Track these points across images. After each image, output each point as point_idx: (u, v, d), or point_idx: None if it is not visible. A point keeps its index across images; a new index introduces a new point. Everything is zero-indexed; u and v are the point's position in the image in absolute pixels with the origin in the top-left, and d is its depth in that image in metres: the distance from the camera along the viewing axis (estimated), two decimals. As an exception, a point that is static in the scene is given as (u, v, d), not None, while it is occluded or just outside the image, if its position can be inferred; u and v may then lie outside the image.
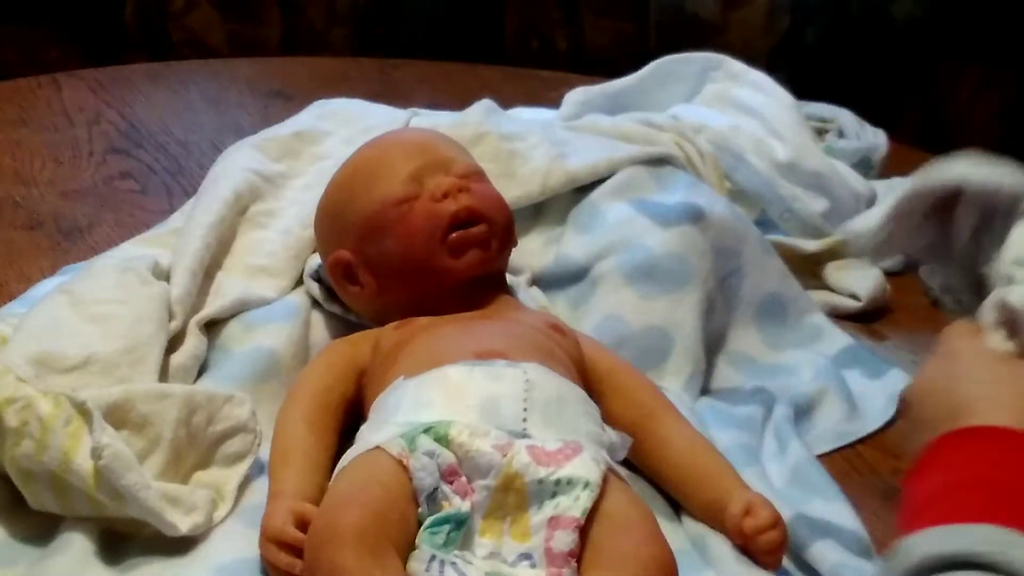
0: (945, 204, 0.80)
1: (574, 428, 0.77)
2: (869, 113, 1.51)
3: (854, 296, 1.20)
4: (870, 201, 1.28)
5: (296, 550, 0.72)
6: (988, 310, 0.74)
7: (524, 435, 0.75)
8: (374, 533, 0.67)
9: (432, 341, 0.84)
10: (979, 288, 0.79)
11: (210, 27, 2.23)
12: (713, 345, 1.04)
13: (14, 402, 0.74)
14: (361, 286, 0.93)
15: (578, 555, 0.71)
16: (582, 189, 1.14)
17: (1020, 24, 2.14)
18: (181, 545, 0.74)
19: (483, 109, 1.20)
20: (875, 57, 2.21)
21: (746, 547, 0.80)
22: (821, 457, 0.93)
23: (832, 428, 0.98)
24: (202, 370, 0.91)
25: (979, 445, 0.66)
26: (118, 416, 0.76)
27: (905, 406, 0.77)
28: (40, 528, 0.75)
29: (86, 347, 0.82)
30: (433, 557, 0.69)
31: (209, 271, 0.97)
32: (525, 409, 0.76)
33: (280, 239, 1.03)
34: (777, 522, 0.79)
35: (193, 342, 0.90)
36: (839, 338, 1.09)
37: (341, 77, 1.60)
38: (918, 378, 0.76)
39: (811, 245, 1.21)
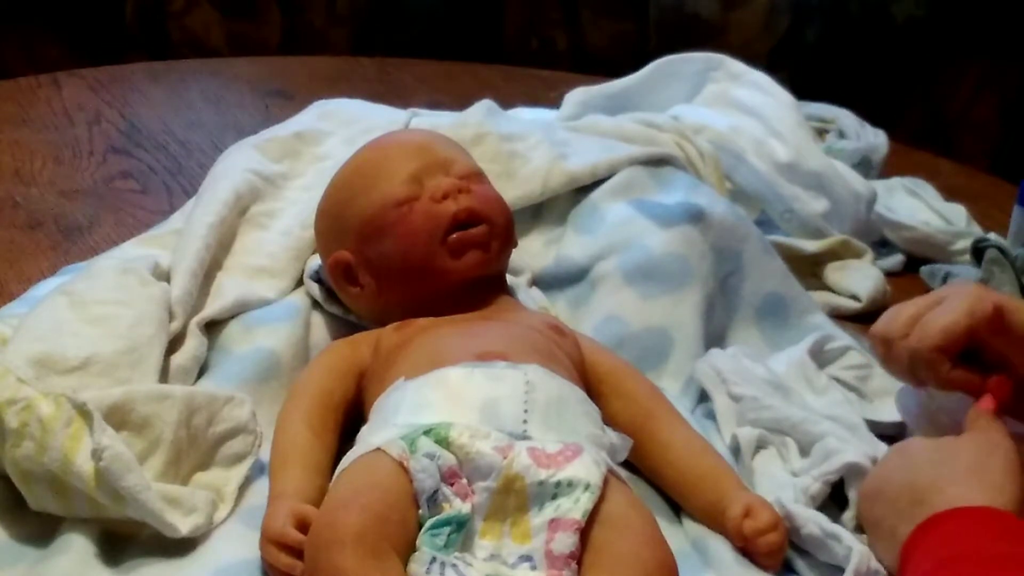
0: None
1: (574, 430, 0.77)
2: (869, 113, 1.51)
3: (854, 296, 1.20)
4: (870, 201, 1.28)
5: (296, 551, 0.72)
6: None
7: (524, 437, 0.75)
8: (374, 535, 0.67)
9: (432, 342, 0.84)
10: None
11: (210, 27, 2.24)
12: (713, 345, 1.04)
13: (15, 403, 0.74)
14: (361, 287, 0.93)
15: (578, 557, 0.71)
16: (582, 189, 1.14)
17: (1020, 23, 2.14)
18: (181, 546, 0.74)
19: (483, 109, 1.20)
20: (875, 57, 2.21)
21: (746, 549, 0.80)
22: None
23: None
24: (202, 371, 0.91)
25: (958, 524, 0.71)
26: (118, 417, 0.75)
27: (860, 501, 0.82)
28: (40, 529, 0.75)
29: (86, 348, 0.82)
30: (433, 559, 0.69)
31: (209, 272, 0.97)
32: (525, 411, 0.76)
33: (280, 240, 1.03)
34: (777, 524, 0.79)
35: (193, 343, 0.90)
36: (840, 338, 1.08)
37: (341, 77, 1.61)
38: (869, 481, 0.82)
39: (811, 245, 1.22)
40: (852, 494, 0.83)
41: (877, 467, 0.82)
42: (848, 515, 0.83)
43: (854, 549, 0.77)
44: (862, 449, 0.85)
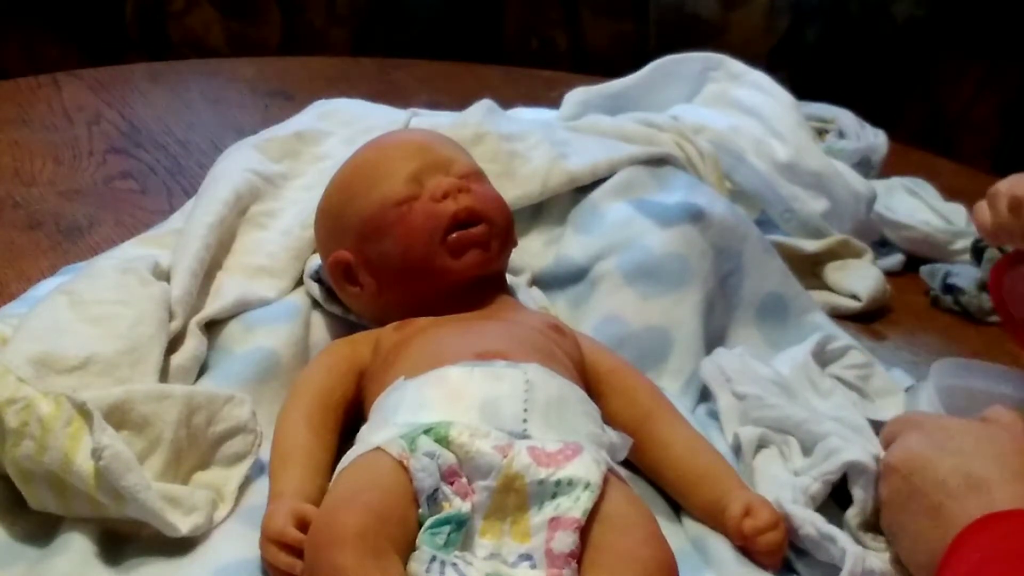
0: None
1: (574, 429, 0.77)
2: (869, 113, 1.51)
3: (854, 296, 1.20)
4: (870, 201, 1.28)
5: (296, 551, 0.71)
6: None
7: (524, 436, 0.75)
8: (374, 534, 0.67)
9: (432, 342, 0.84)
10: None
11: (210, 27, 2.24)
12: (713, 345, 1.04)
13: (14, 403, 0.74)
14: (361, 286, 0.93)
15: (578, 556, 0.71)
16: (582, 189, 1.14)
17: (1020, 23, 2.14)
18: (181, 546, 0.74)
19: (483, 109, 1.20)
20: (875, 57, 2.21)
21: (746, 548, 0.80)
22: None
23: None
24: (202, 371, 0.91)
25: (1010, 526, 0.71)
26: (118, 417, 0.75)
27: (889, 472, 0.81)
28: (40, 528, 0.75)
29: (86, 348, 0.82)
30: (433, 558, 0.69)
31: (209, 271, 0.97)
32: (525, 410, 0.76)
33: (280, 239, 1.03)
34: (777, 523, 0.80)
35: (193, 342, 0.90)
36: (841, 338, 1.09)
37: (341, 77, 1.61)
38: (908, 448, 0.81)
39: (811, 245, 1.22)
40: (857, 492, 0.83)
41: (912, 442, 0.81)
42: (852, 512, 0.83)
43: (848, 551, 0.77)
44: (866, 449, 0.85)
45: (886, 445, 0.84)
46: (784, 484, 0.85)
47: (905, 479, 0.79)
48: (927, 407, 0.91)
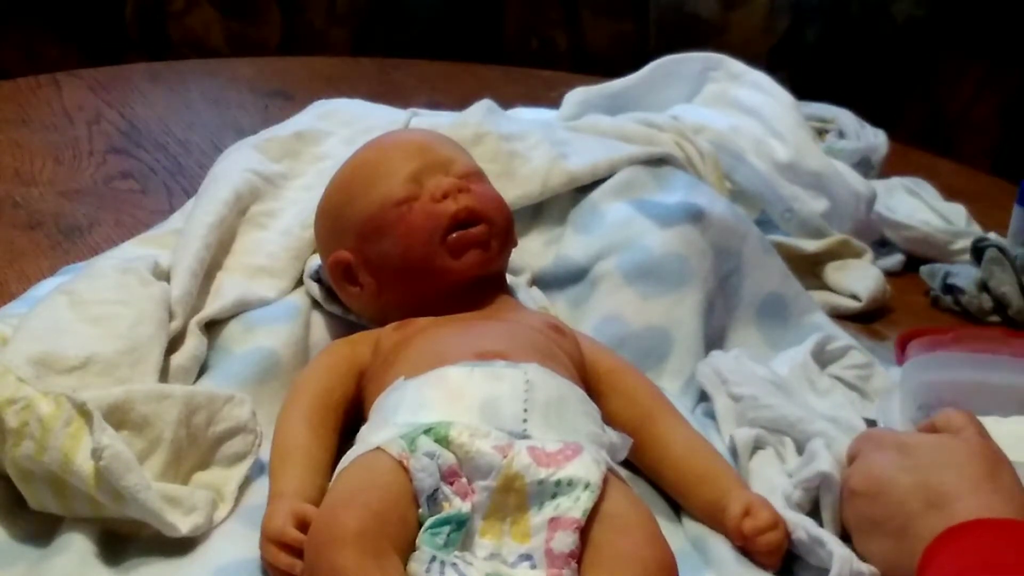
0: None
1: (574, 429, 0.77)
2: (869, 113, 1.51)
3: (854, 296, 1.20)
4: (870, 201, 1.28)
5: (296, 551, 0.71)
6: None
7: (524, 436, 0.75)
8: (374, 534, 0.67)
9: (432, 342, 0.84)
10: None
11: (210, 27, 2.24)
12: (713, 345, 1.04)
13: (14, 403, 0.74)
14: (361, 286, 0.93)
15: (578, 556, 0.71)
16: (582, 189, 1.14)
17: (1020, 23, 2.14)
18: (181, 546, 0.74)
19: (483, 109, 1.20)
20: (875, 57, 2.21)
21: (746, 548, 0.80)
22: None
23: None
24: (202, 371, 0.91)
25: (986, 535, 0.71)
26: (118, 417, 0.75)
27: (852, 496, 0.81)
28: (40, 528, 0.75)
29: (86, 348, 0.82)
30: (433, 558, 0.69)
31: (209, 271, 0.97)
32: (525, 410, 0.76)
33: (280, 239, 1.03)
34: (777, 523, 0.79)
35: (193, 342, 0.90)
36: (840, 338, 1.09)
37: (341, 77, 1.61)
38: (867, 471, 0.80)
39: (811, 245, 1.22)
40: (826, 503, 0.82)
41: (871, 463, 0.81)
42: (826, 517, 0.83)
43: (835, 554, 0.77)
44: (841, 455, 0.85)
45: (849, 463, 0.83)
46: (776, 488, 0.84)
47: (869, 504, 0.79)
48: (899, 413, 0.91)
